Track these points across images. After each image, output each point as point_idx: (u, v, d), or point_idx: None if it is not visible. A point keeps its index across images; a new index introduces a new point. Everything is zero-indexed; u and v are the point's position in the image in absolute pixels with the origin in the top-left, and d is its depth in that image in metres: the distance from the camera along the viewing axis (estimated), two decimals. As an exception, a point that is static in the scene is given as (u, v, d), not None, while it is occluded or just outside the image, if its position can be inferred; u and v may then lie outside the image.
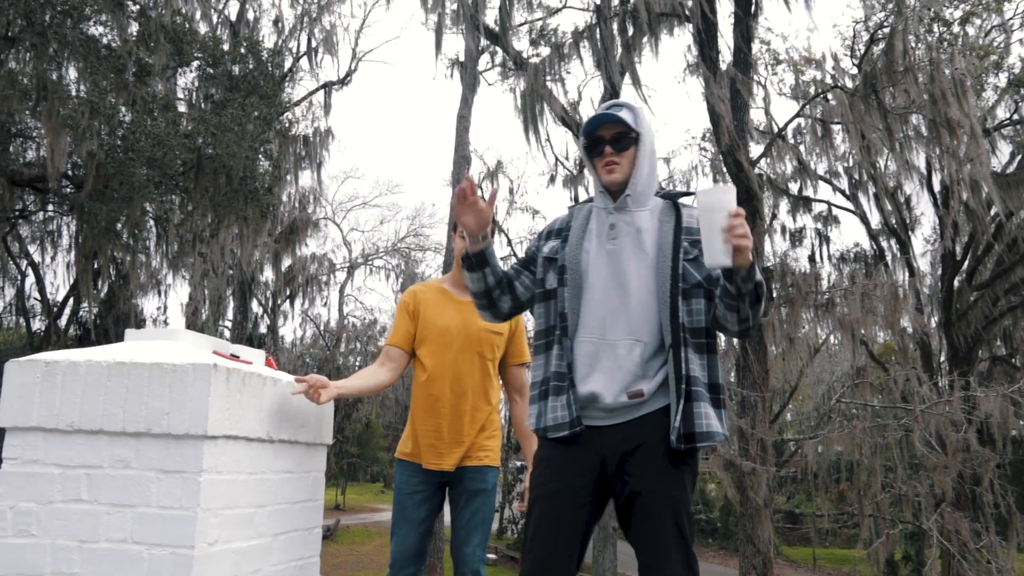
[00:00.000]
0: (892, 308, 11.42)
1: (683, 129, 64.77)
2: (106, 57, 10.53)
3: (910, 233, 17.66)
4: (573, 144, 17.06)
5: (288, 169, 16.69)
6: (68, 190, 12.56)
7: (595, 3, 12.20)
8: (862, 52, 14.61)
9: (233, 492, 2.41)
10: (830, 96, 12.11)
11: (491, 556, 23.74)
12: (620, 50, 11.67)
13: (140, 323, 18.39)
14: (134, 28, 11.32)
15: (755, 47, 12.73)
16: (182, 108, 12.65)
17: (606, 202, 2.29)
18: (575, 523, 2.10)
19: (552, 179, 18.69)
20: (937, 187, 16.60)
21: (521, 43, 15.58)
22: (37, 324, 19.47)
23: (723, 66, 11.30)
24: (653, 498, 2.06)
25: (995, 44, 15.39)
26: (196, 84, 12.86)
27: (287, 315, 25.17)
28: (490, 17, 13.81)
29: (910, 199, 17.67)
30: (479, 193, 2.28)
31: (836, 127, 12.65)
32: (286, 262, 22.53)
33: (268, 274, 22.82)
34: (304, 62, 18.04)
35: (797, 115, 12.72)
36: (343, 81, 19.30)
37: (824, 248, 17.85)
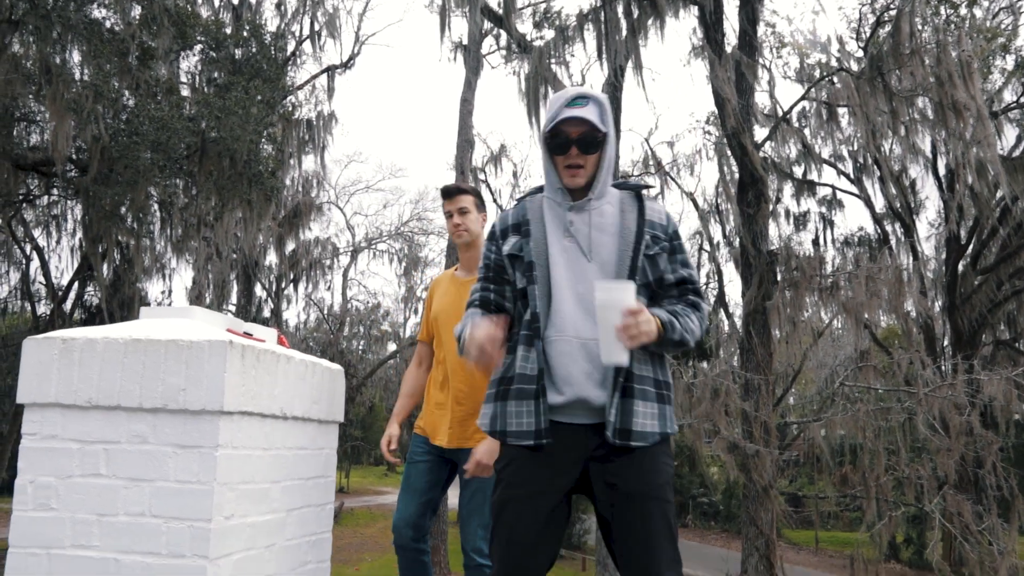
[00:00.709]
0: (896, 292, 11.42)
1: (687, 112, 64.62)
2: (109, 40, 10.51)
3: (914, 217, 17.64)
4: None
5: (291, 153, 16.66)
6: (72, 174, 12.56)
7: (600, -15, 12.14)
8: (868, 34, 14.55)
9: (248, 467, 2.44)
10: (835, 79, 12.07)
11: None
12: (625, 33, 11.61)
13: (145, 307, 18.42)
14: (137, 11, 11.29)
15: (760, 30, 12.67)
16: (185, 92, 12.63)
17: (563, 198, 2.18)
18: (552, 526, 2.05)
19: (555, 163, 18.67)
20: (942, 170, 16.57)
21: (525, 26, 15.52)
22: (42, 308, 19.52)
23: (728, 49, 11.27)
24: (643, 498, 2.02)
25: (1002, 26, 15.30)
26: (199, 68, 12.83)
27: (291, 299, 25.18)
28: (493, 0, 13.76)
29: (915, 183, 17.65)
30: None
31: (841, 110, 12.61)
32: (290, 246, 22.54)
33: (272, 258, 22.84)
34: (307, 46, 18.01)
35: (802, 98, 12.69)
36: (346, 65, 19.24)
37: (828, 232, 17.84)
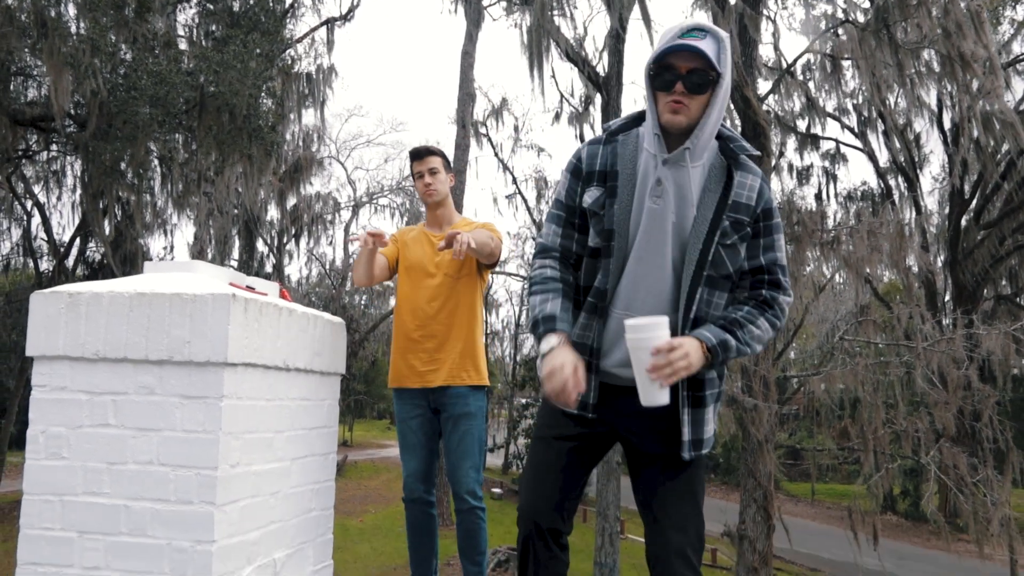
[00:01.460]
0: (898, 246, 11.43)
1: (690, 66, 63.66)
2: (105, -8, 10.36)
3: (918, 171, 17.54)
4: (579, 81, 16.83)
5: (291, 107, 16.51)
6: (71, 129, 12.49)
7: (603, -66, 11.90)
8: (875, -15, 14.27)
9: (253, 417, 2.49)
10: (840, 31, 11.89)
11: (496, 491, 24.24)
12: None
13: (149, 262, 18.47)
14: (132, -38, 11.10)
15: (766, -21, 12.45)
16: (183, 45, 12.48)
17: (658, 147, 1.92)
18: (573, 469, 2.08)
19: (557, 116, 18.52)
20: (947, 124, 16.42)
21: (526, -24, 15.23)
22: (44, 264, 19.57)
23: (732, 0, 11.08)
24: (679, 462, 2.00)
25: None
26: (196, 21, 12.67)
27: (292, 254, 25.19)
28: (495, -51, 13.50)
29: (919, 137, 17.51)
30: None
31: (846, 63, 12.46)
32: (291, 201, 22.51)
33: (273, 213, 22.83)
34: (305, -3, 17.69)
35: (806, 51, 12.51)
36: (345, 17, 18.95)
37: (831, 186, 17.78)
